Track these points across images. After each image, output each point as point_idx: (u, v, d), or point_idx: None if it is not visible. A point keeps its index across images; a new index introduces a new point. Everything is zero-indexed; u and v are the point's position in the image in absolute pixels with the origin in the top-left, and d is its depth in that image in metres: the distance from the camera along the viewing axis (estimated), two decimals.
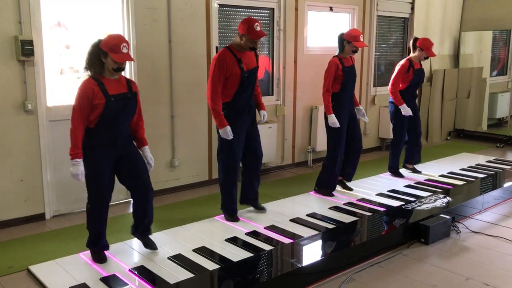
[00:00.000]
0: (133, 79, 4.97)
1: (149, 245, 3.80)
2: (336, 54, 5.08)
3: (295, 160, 6.72)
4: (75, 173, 3.35)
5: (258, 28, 4.16)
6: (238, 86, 4.25)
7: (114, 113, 3.40)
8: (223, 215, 4.56)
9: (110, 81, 3.41)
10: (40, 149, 4.49)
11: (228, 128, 4.20)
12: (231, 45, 4.30)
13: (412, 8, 7.89)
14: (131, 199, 3.79)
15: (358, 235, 4.19)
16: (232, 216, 4.50)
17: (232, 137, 4.23)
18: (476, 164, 6.62)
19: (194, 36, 5.40)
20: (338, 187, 5.43)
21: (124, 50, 3.34)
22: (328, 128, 5.10)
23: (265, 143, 6.00)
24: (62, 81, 4.70)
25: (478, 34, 8.80)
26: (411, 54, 5.84)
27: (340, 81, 5.02)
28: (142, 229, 3.80)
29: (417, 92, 6.12)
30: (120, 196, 5.14)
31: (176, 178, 5.50)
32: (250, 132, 4.47)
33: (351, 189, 5.48)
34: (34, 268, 3.51)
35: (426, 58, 5.81)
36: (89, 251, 3.70)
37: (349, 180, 5.52)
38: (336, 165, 5.21)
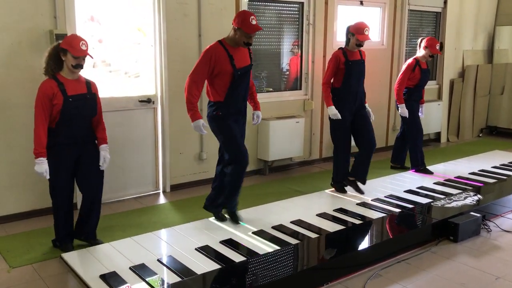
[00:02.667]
0: (162, 74, 5.05)
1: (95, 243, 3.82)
2: (343, 47, 4.98)
3: (322, 155, 6.69)
4: (40, 172, 3.43)
5: (254, 22, 3.87)
6: (229, 84, 3.96)
7: (73, 113, 3.49)
8: (248, 209, 4.60)
9: (70, 81, 3.51)
10: None
11: (201, 121, 3.92)
12: (224, 40, 4.02)
13: (445, 2, 7.74)
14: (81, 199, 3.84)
15: (385, 231, 4.16)
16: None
17: (205, 133, 4.01)
18: (509, 162, 6.46)
19: (224, 31, 5.37)
20: (350, 189, 5.13)
21: (83, 47, 3.45)
22: (331, 122, 5.03)
23: (292, 138, 6.04)
24: (94, 74, 4.79)
25: None
26: (418, 54, 5.84)
27: (342, 74, 4.90)
28: (86, 231, 3.84)
29: (423, 93, 6.06)
30: (149, 187, 5.24)
31: (205, 171, 5.56)
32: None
33: (362, 192, 5.05)
34: (66, 256, 3.62)
35: (432, 56, 5.81)
36: (118, 241, 3.84)
37: (362, 181, 5.09)
38: (339, 160, 5.07)
